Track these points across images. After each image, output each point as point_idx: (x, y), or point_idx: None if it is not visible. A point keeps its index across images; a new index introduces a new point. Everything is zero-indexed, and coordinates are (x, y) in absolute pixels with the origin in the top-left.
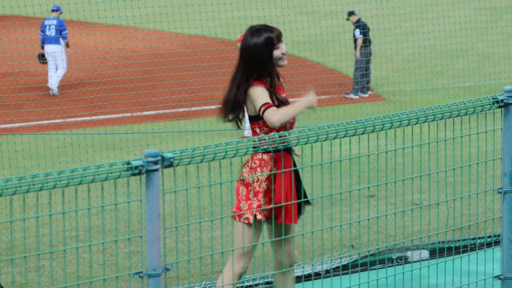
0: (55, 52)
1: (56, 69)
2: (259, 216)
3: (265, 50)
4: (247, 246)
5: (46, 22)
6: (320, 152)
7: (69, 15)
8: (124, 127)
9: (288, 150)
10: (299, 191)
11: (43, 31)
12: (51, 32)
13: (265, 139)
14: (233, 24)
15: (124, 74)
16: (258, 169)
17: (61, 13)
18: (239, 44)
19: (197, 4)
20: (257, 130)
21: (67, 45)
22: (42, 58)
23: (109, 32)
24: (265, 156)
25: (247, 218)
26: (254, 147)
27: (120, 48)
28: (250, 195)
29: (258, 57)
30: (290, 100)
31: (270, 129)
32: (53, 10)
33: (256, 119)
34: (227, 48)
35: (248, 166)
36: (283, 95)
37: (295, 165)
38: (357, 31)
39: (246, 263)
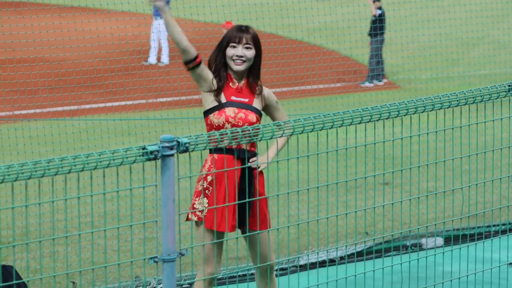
0: (160, 24)
1: (159, 42)
2: (193, 217)
3: (221, 43)
4: (205, 250)
5: None
6: (335, 138)
7: (85, 2)
8: (139, 114)
9: (234, 154)
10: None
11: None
12: None
13: (214, 136)
14: (249, 11)
15: (140, 60)
16: (203, 168)
17: None
18: (224, 30)
19: None
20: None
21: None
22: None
23: (125, 19)
24: (213, 156)
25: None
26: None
27: (135, 35)
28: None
29: (217, 48)
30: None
31: (209, 128)
32: None
33: (206, 114)
34: None
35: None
36: (238, 99)
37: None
38: (378, 11)
39: (209, 268)
